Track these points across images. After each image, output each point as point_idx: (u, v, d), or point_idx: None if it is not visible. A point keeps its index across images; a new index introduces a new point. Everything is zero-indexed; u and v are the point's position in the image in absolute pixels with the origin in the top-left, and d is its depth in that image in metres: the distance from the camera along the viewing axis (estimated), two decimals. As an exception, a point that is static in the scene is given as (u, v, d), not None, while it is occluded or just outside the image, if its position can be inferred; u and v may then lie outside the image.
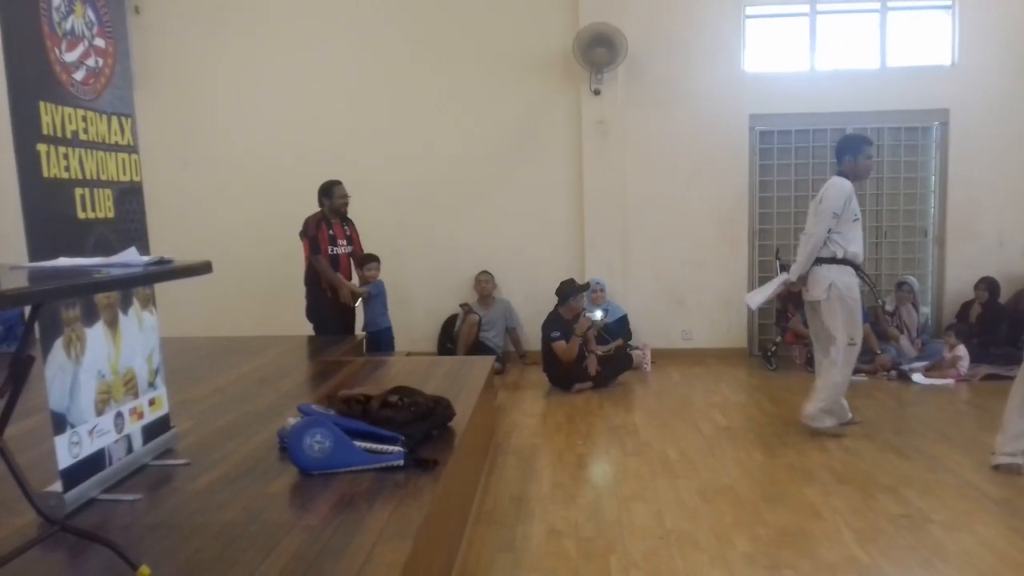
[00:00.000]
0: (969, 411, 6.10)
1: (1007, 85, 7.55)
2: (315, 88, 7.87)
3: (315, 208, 6.39)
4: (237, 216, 7.80)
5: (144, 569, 2.22)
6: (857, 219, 5.22)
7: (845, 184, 5.19)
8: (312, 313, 6.31)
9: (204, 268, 2.22)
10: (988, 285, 7.38)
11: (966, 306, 7.58)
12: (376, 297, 6.78)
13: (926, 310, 7.66)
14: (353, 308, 6.50)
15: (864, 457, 4.89)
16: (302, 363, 5.67)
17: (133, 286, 1.93)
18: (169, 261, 2.12)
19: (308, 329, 6.42)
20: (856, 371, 6.48)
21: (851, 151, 5.24)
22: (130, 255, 2.09)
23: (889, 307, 7.48)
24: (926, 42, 7.73)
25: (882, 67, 7.73)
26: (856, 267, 5.24)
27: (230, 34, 7.89)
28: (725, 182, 7.82)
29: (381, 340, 6.94)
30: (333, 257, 6.29)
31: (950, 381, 6.68)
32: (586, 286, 6.99)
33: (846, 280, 5.19)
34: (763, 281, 7.84)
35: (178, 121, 7.80)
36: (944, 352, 6.96)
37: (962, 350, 6.83)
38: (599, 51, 7.39)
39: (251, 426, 3.82)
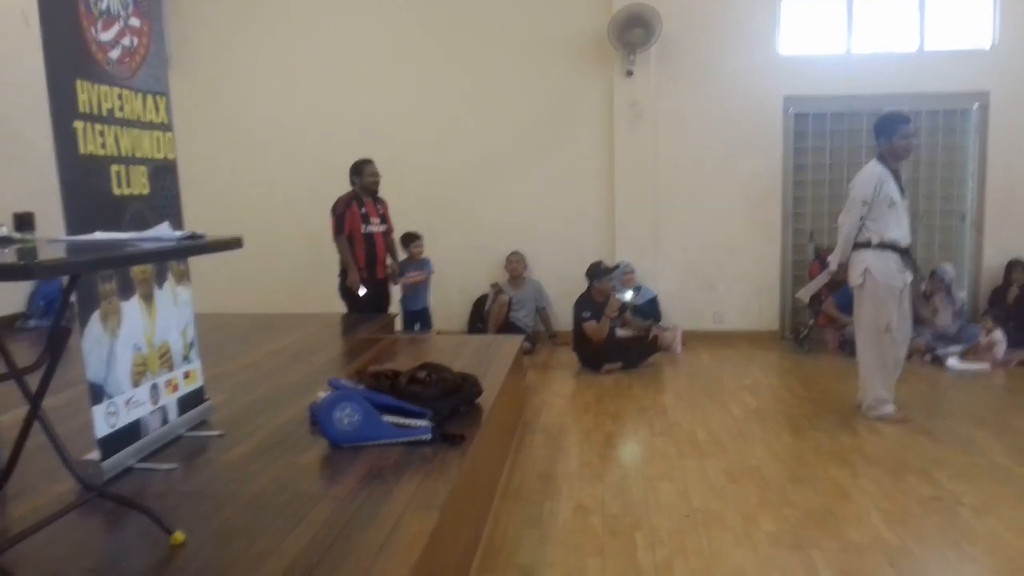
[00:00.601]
0: (1004, 395, 6.02)
1: None
2: (347, 70, 7.93)
3: (347, 187, 6.44)
4: (270, 194, 7.90)
5: (178, 535, 2.28)
6: (894, 204, 5.07)
7: (874, 170, 5.12)
8: (345, 291, 6.38)
9: (235, 243, 2.27)
10: (1012, 266, 7.31)
11: (999, 290, 7.46)
12: (413, 282, 6.96)
13: (963, 294, 7.54)
14: (387, 286, 6.55)
15: (895, 440, 4.85)
16: (334, 340, 5.74)
17: (165, 259, 1.98)
18: (201, 236, 2.17)
19: (341, 307, 6.50)
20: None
21: (887, 132, 5.15)
22: (163, 229, 2.14)
23: (925, 292, 7.38)
24: (965, 24, 7.57)
25: (920, 49, 7.59)
26: (902, 251, 5.12)
27: (264, 16, 7.96)
28: (759, 165, 7.75)
29: (422, 318, 7.07)
30: (368, 236, 6.33)
31: (986, 366, 6.59)
32: (614, 268, 6.98)
33: (883, 266, 5.09)
34: (796, 265, 7.83)
35: (212, 100, 7.90)
36: (980, 337, 6.87)
37: (999, 335, 6.73)
38: (636, 31, 7.34)
39: (283, 400, 3.89)
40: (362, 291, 6.27)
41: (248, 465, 3.00)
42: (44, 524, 2.07)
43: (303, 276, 7.76)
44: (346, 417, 3.10)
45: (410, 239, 7.18)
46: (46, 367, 2.09)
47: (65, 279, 2.31)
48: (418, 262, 7.21)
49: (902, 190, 5.17)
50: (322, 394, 3.34)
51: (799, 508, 3.87)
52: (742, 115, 7.68)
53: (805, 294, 6.12)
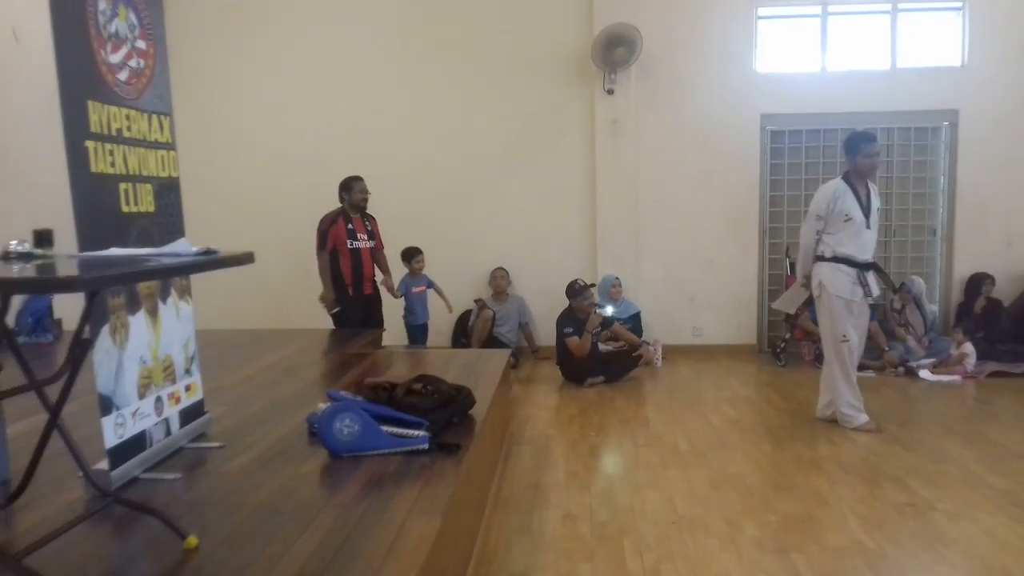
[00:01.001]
0: (974, 406, 6.21)
1: (1017, 86, 7.64)
2: (333, 87, 8.04)
3: (334, 205, 6.53)
4: (257, 212, 7.97)
5: (192, 539, 2.37)
6: (850, 219, 5.22)
7: (829, 186, 5.33)
8: (333, 308, 6.46)
9: (247, 258, 2.37)
10: (980, 280, 7.58)
11: (965, 304, 7.70)
12: (418, 293, 7.15)
13: (934, 308, 7.76)
14: (373, 303, 6.63)
15: (870, 449, 5.01)
16: (325, 355, 5.82)
17: (187, 273, 2.08)
18: (215, 251, 2.27)
19: (328, 323, 6.57)
20: (864, 367, 6.65)
21: (852, 150, 5.33)
22: (181, 245, 2.24)
23: (896, 305, 7.59)
24: (936, 43, 7.83)
25: (892, 68, 7.84)
26: (860, 266, 5.28)
27: (250, 34, 8.06)
28: (736, 181, 7.94)
29: (418, 333, 7.18)
30: (354, 251, 6.43)
31: (957, 378, 6.79)
32: (591, 285, 7.08)
33: (834, 279, 5.27)
34: (772, 279, 8.01)
35: (200, 118, 7.96)
36: (951, 349, 7.07)
37: (969, 347, 6.94)
38: (619, 50, 7.51)
39: (280, 413, 3.97)
40: (335, 308, 6.38)
41: (251, 475, 3.08)
42: (64, 529, 2.15)
43: (289, 292, 7.83)
44: (346, 428, 3.19)
45: (411, 254, 7.31)
46: (66, 378, 2.17)
47: (80, 295, 2.40)
48: (419, 277, 7.33)
49: (865, 207, 5.28)
50: (322, 406, 3.43)
51: (780, 514, 4.00)
52: (720, 132, 7.87)
53: (781, 304, 6.30)
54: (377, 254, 6.68)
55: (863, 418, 5.37)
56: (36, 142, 6.22)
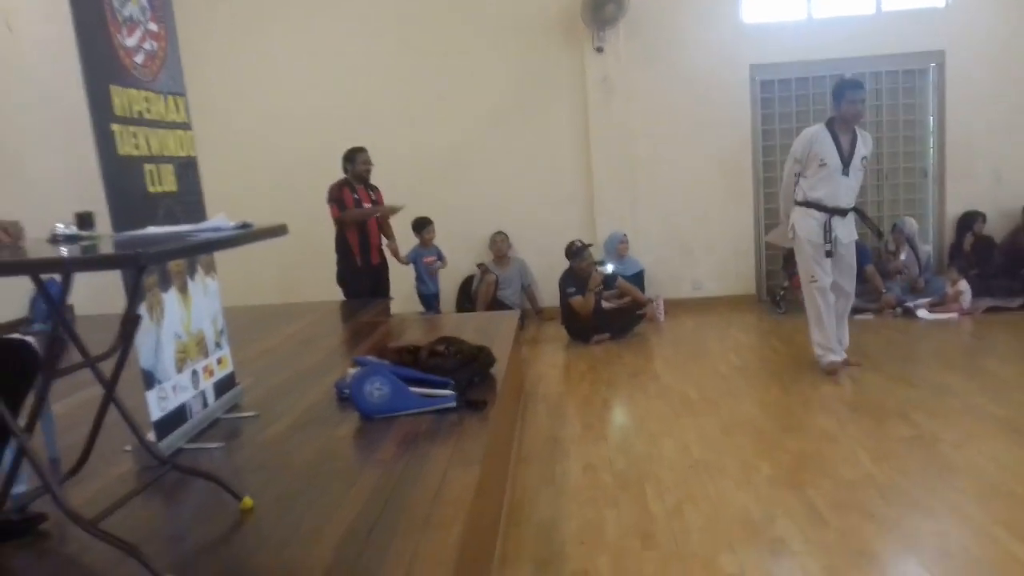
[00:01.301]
0: (972, 342, 6.38)
1: (1000, 25, 7.72)
2: (327, 61, 8.05)
3: (335, 177, 6.59)
4: (259, 187, 8.00)
5: (247, 500, 2.49)
6: (824, 164, 5.28)
7: (809, 131, 5.41)
8: (342, 278, 6.55)
9: (281, 230, 2.46)
10: (972, 219, 7.72)
11: (958, 243, 7.85)
12: (429, 263, 7.31)
13: (928, 248, 7.90)
14: (381, 271, 6.71)
15: (875, 387, 5.17)
16: (339, 325, 5.93)
17: (229, 246, 2.15)
18: (250, 225, 2.36)
19: (336, 295, 6.66)
20: (863, 310, 6.81)
21: (836, 97, 5.38)
22: (220, 220, 2.33)
23: (891, 247, 7.73)
24: None
25: (878, 11, 7.89)
26: (828, 211, 5.32)
27: (242, 8, 8.04)
28: (729, 133, 8.02)
29: (431, 301, 7.31)
30: (360, 221, 6.49)
31: (954, 315, 6.96)
32: (588, 246, 7.15)
33: (803, 223, 5.40)
34: (768, 229, 8.11)
35: (202, 94, 7.94)
36: (947, 288, 7.22)
37: (964, 285, 7.10)
38: (608, 7, 7.53)
39: (306, 381, 4.09)
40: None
41: (288, 441, 3.21)
42: (130, 496, 2.26)
43: (296, 266, 7.90)
44: (376, 391, 3.31)
45: (422, 224, 7.42)
46: (119, 354, 2.27)
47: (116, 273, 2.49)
48: (430, 248, 7.43)
49: (847, 153, 5.31)
50: (351, 371, 3.54)
51: (792, 453, 4.16)
52: (710, 85, 7.94)
53: (772, 237, 6.40)
54: (382, 223, 6.75)
55: (828, 358, 5.49)
56: (32, 130, 6.25)
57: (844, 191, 5.37)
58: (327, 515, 2.44)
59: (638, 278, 7.86)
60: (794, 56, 7.88)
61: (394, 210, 6.65)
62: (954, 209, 7.98)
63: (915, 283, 7.52)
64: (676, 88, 7.98)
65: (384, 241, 6.76)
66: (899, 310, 7.18)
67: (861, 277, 6.33)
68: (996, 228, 7.81)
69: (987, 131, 7.84)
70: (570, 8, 7.74)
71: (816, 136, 5.35)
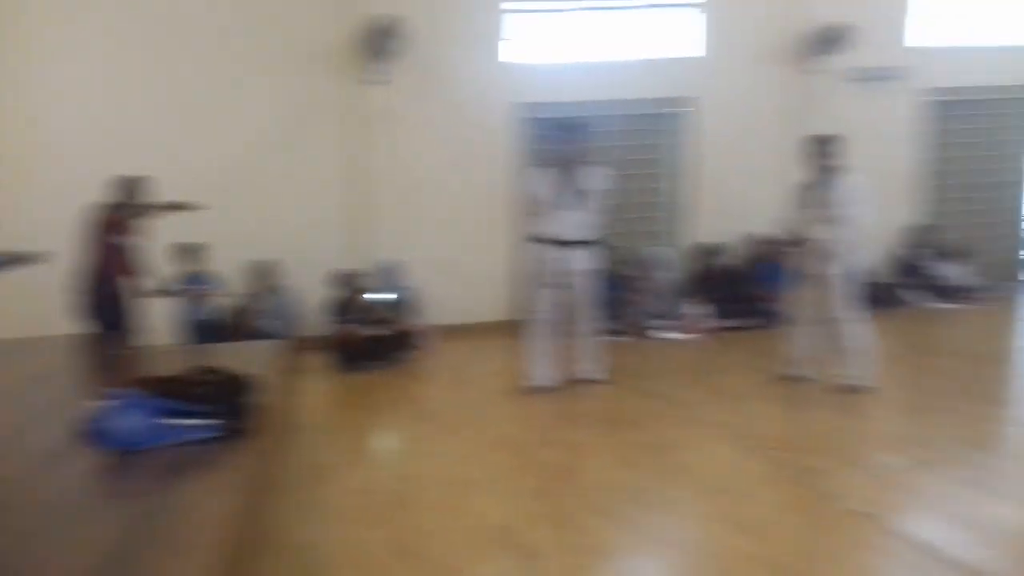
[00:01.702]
0: (708, 359, 7.08)
1: (745, 77, 8.66)
2: (85, 87, 7.57)
3: (89, 202, 6.18)
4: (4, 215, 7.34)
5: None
6: (540, 200, 5.61)
7: (527, 171, 5.88)
8: (90, 310, 6.14)
9: (41, 257, 2.35)
10: (709, 249, 8.58)
11: (699, 270, 8.69)
12: (195, 290, 7.03)
13: (672, 275, 8.66)
14: (126, 300, 6.36)
15: (622, 402, 5.63)
16: (84, 358, 5.54)
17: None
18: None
19: (75, 327, 6.22)
20: (614, 332, 7.40)
21: (550, 137, 5.85)
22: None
23: (637, 274, 8.40)
24: (678, 35, 8.62)
25: (632, 59, 8.49)
26: (550, 242, 5.64)
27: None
28: (491, 167, 8.39)
29: (196, 330, 7.00)
30: (118, 246, 6.11)
31: (691, 336, 7.69)
32: (357, 275, 7.20)
33: (532, 255, 5.78)
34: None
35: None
36: (689, 311, 7.97)
37: (704, 308, 7.88)
38: (381, 41, 7.64)
39: (44, 418, 3.82)
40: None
41: (26, 479, 2.99)
42: None
43: (42, 297, 7.28)
44: (131, 423, 3.18)
45: (189, 251, 7.13)
46: None
47: None
48: (198, 275, 7.14)
49: (565, 188, 5.58)
50: (100, 403, 3.37)
51: (549, 464, 4.47)
52: (475, 121, 8.25)
53: None
54: (137, 251, 6.41)
55: (534, 382, 5.82)
56: None
57: (567, 224, 5.63)
58: (74, 551, 2.33)
59: (406, 305, 7.99)
60: (555, 97, 8.37)
61: (187, 207, 6.28)
62: (698, 239, 8.79)
63: (661, 308, 8.22)
64: (447, 121, 8.21)
65: (143, 273, 6.42)
66: (647, 332, 7.81)
67: (611, 303, 6.85)
68: (733, 258, 8.71)
69: (732, 170, 8.71)
70: (347, 39, 7.78)
71: (531, 175, 5.76)
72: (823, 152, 5.58)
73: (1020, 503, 4.00)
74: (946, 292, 8.39)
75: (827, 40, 8.14)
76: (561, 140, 5.66)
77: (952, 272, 8.48)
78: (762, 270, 8.11)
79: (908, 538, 3.58)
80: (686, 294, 8.28)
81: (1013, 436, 5.22)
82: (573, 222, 5.66)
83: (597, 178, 5.74)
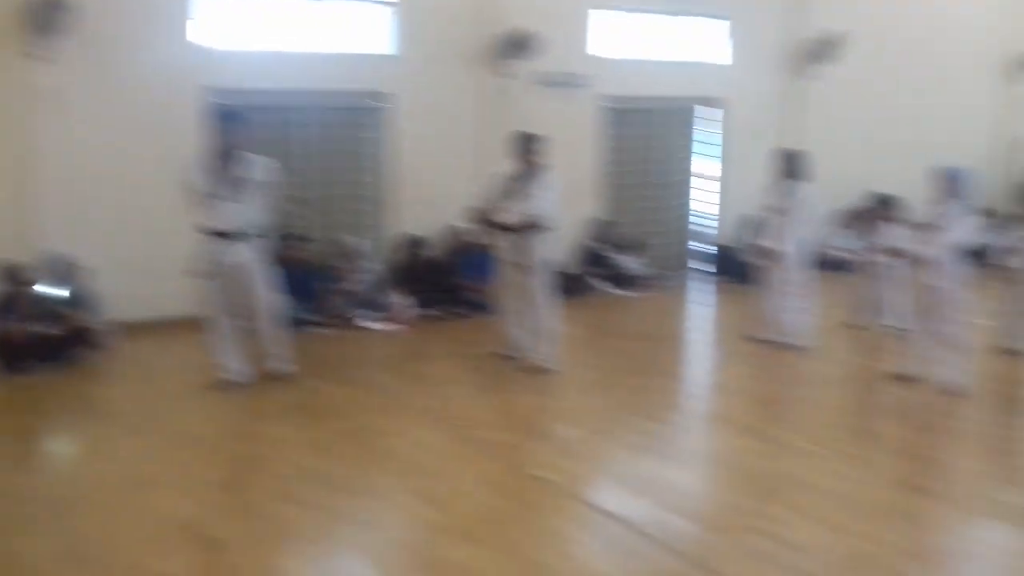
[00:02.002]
0: (410, 348, 7.13)
1: (441, 75, 8.79)
2: None
3: None
4: None
5: None
6: (199, 192, 5.41)
7: (193, 162, 5.58)
8: None
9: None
10: (413, 241, 8.70)
11: (404, 261, 8.78)
12: None
13: (375, 266, 8.65)
14: None
15: (323, 392, 5.53)
16: None
17: None
18: None
19: None
20: (318, 323, 7.27)
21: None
22: None
23: (340, 264, 8.29)
24: (371, 31, 8.53)
25: (328, 52, 8.31)
26: (213, 234, 5.44)
27: None
28: (177, 154, 7.75)
29: None
30: None
31: (399, 326, 7.72)
32: (20, 267, 6.42)
33: (198, 246, 5.56)
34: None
35: None
36: (391, 300, 7.99)
37: (405, 299, 7.94)
38: (49, 15, 6.80)
39: None
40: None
41: None
42: None
43: None
44: None
45: None
46: None
47: None
48: None
49: (217, 179, 5.40)
50: None
51: (237, 456, 4.37)
52: (159, 105, 7.57)
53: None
54: None
55: (229, 375, 5.57)
56: None
57: (223, 216, 5.42)
58: None
59: (83, 300, 7.23)
60: (257, 84, 7.94)
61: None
62: (401, 231, 8.83)
63: (364, 298, 8.17)
64: (126, 104, 7.44)
65: None
66: (351, 323, 7.73)
67: (314, 294, 6.68)
68: (435, 248, 8.87)
69: (428, 165, 8.82)
70: (14, 11, 6.85)
71: (191, 164, 5.50)
72: (528, 148, 5.90)
73: (684, 465, 4.51)
74: (625, 280, 9.17)
75: (514, 44, 8.52)
76: (219, 129, 5.43)
77: (629, 263, 9.28)
78: (465, 261, 8.34)
79: (587, 501, 3.88)
80: (391, 285, 8.31)
81: (680, 406, 5.87)
82: (230, 213, 5.44)
83: (257, 169, 5.53)
